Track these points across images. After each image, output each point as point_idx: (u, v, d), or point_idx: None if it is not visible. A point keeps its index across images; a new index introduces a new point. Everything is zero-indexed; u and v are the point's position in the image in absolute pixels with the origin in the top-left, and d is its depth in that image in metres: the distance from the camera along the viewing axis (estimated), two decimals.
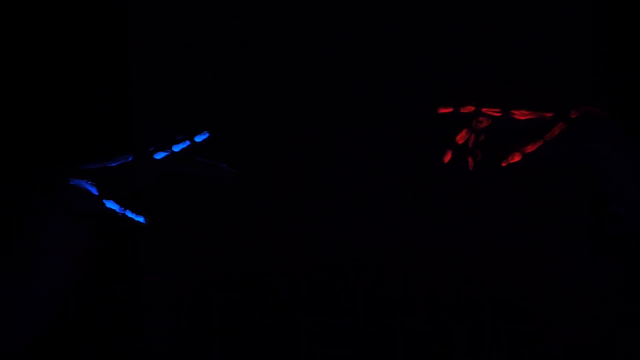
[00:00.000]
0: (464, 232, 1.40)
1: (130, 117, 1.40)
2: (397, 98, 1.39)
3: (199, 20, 1.40)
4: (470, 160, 1.08)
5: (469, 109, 1.06)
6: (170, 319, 1.41)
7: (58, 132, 1.36)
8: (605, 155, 1.07)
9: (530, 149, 1.05)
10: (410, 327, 1.36)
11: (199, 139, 1.08)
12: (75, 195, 1.03)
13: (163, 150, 1.06)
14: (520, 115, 1.06)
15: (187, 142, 1.08)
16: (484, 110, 1.06)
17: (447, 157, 1.08)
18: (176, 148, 1.07)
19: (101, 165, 1.06)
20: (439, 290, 1.37)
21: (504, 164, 1.05)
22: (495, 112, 1.06)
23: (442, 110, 1.06)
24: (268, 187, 1.39)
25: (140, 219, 1.04)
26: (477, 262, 1.37)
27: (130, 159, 1.06)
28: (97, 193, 1.03)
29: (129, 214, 1.04)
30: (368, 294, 1.39)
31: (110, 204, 1.04)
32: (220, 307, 1.39)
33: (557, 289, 1.36)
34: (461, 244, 1.39)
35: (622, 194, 1.07)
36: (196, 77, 1.40)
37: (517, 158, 1.05)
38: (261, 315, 1.38)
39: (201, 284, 1.40)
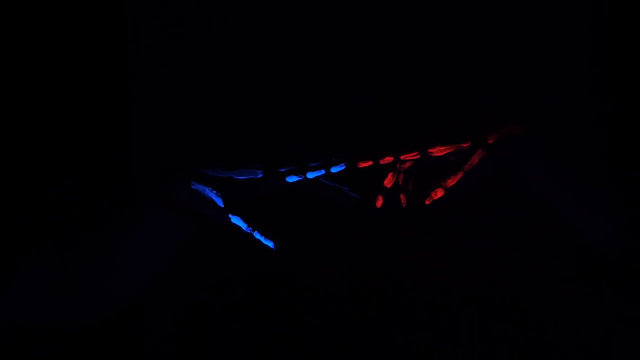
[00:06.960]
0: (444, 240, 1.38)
1: (130, 117, 1.39)
2: (399, 100, 1.38)
3: (200, 20, 1.40)
4: (402, 197, 1.12)
5: (388, 159, 1.10)
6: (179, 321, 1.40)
7: (56, 132, 1.33)
8: (529, 172, 1.06)
9: (451, 182, 1.08)
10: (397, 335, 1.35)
11: (335, 170, 1.05)
12: (197, 200, 0.99)
13: (296, 174, 1.04)
14: (438, 152, 1.09)
15: (322, 171, 1.05)
16: (402, 157, 1.10)
17: (379, 202, 1.12)
18: (310, 175, 1.04)
19: (227, 175, 1.02)
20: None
21: (427, 202, 1.08)
22: (413, 156, 1.10)
23: (362, 165, 1.11)
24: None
25: (269, 244, 1.00)
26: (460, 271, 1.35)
27: (259, 175, 1.03)
28: (222, 205, 1.00)
29: (257, 236, 1.00)
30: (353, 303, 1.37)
31: (237, 221, 1.00)
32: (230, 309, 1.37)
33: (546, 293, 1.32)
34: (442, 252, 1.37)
35: (551, 206, 1.06)
36: (197, 77, 1.39)
37: (440, 193, 1.08)
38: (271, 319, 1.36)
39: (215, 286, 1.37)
